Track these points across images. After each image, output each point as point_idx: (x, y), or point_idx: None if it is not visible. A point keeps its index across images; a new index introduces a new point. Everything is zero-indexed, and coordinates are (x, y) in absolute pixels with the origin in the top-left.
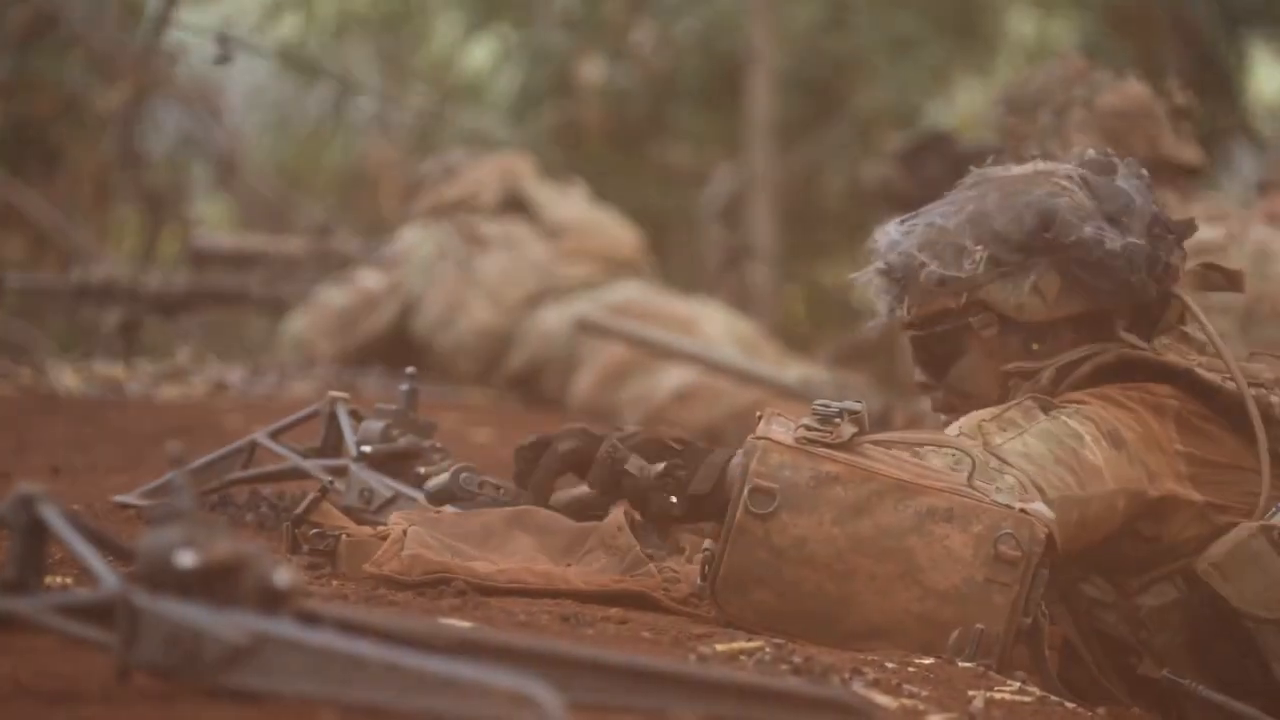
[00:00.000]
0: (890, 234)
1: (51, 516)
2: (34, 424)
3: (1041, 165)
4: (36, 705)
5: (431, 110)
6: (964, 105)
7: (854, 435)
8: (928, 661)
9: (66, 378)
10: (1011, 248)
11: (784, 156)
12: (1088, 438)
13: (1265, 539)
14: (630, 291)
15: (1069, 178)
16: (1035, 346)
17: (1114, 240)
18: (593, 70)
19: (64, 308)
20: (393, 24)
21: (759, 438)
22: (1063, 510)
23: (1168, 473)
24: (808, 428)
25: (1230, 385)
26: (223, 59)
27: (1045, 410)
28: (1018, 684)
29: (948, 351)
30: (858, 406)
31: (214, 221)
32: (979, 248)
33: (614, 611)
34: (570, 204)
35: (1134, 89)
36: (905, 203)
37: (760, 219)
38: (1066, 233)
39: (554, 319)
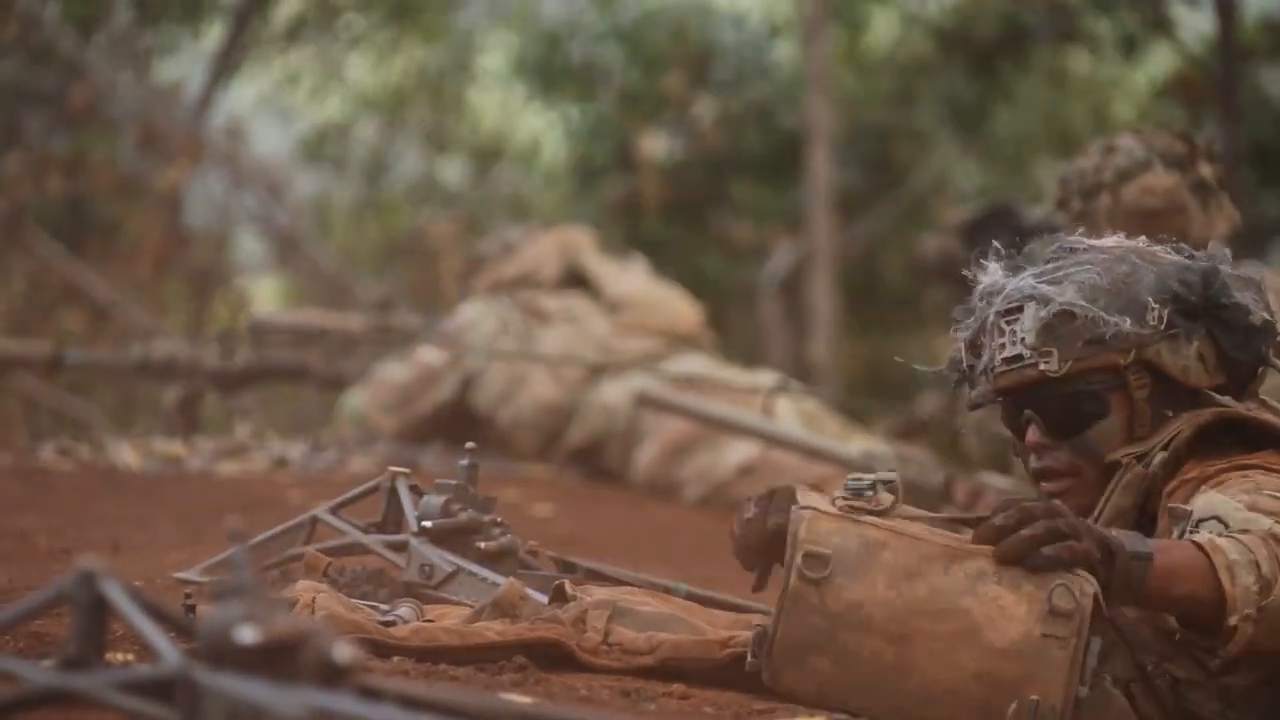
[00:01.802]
0: (1026, 286)
1: (113, 592)
2: (93, 500)
3: (1126, 241)
4: None
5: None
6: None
7: (893, 503)
8: None
9: (126, 454)
10: (1181, 310)
11: (844, 231)
12: None
13: None
14: (692, 365)
15: (1177, 249)
16: (1170, 413)
17: (1257, 309)
18: (653, 144)
19: (123, 384)
20: (442, 99)
21: (803, 507)
22: None
23: None
24: (845, 499)
25: None
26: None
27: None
28: None
29: (1089, 412)
30: (891, 476)
31: (265, 297)
32: (1158, 306)
33: (675, 687)
34: (630, 278)
35: (1158, 182)
36: (964, 276)
37: (820, 292)
38: (1229, 294)
39: (615, 393)
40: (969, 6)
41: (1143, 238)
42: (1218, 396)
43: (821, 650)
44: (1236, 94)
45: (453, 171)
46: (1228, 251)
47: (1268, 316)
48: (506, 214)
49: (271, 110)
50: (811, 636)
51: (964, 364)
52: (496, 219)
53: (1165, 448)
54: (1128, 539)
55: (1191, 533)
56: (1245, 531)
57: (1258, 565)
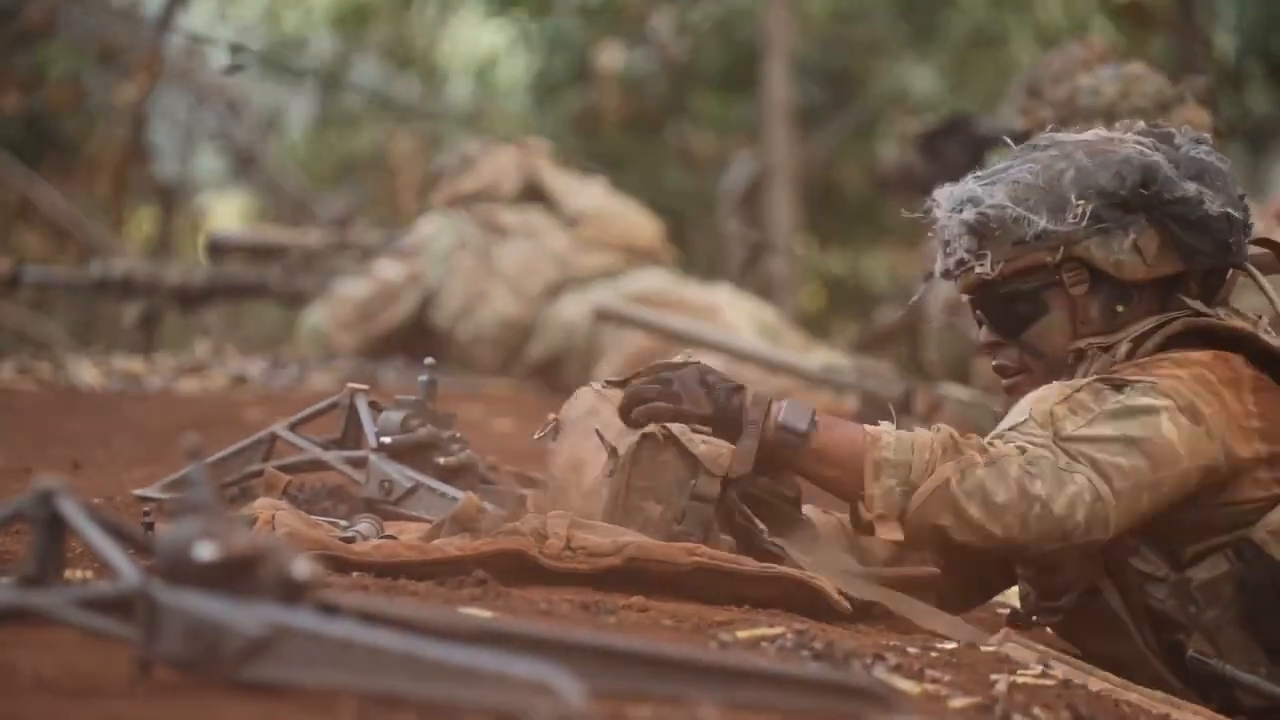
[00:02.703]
0: (966, 190)
1: (71, 511)
2: (53, 418)
3: (1105, 131)
4: (58, 700)
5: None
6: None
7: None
8: (950, 646)
9: (86, 372)
10: (1113, 204)
11: (803, 143)
12: (1164, 414)
13: None
14: (651, 280)
15: (1140, 142)
16: (1120, 308)
17: (1213, 201)
18: (611, 57)
19: (83, 302)
20: (401, 14)
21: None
22: (1131, 498)
23: (1243, 445)
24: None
25: None
26: (235, 68)
27: (1119, 389)
28: (1040, 667)
29: (1029, 309)
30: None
31: (228, 214)
32: (1081, 202)
33: (635, 599)
34: (589, 193)
35: (1197, 117)
36: (924, 187)
37: (779, 206)
38: (1171, 189)
39: (574, 308)
40: None
41: (1132, 126)
42: (1190, 301)
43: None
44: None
45: (411, 88)
46: (1205, 137)
47: (1227, 209)
48: (465, 129)
49: (230, 26)
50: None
51: (935, 266)
52: (455, 134)
53: (1133, 341)
54: (789, 410)
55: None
56: (996, 439)
57: (909, 467)
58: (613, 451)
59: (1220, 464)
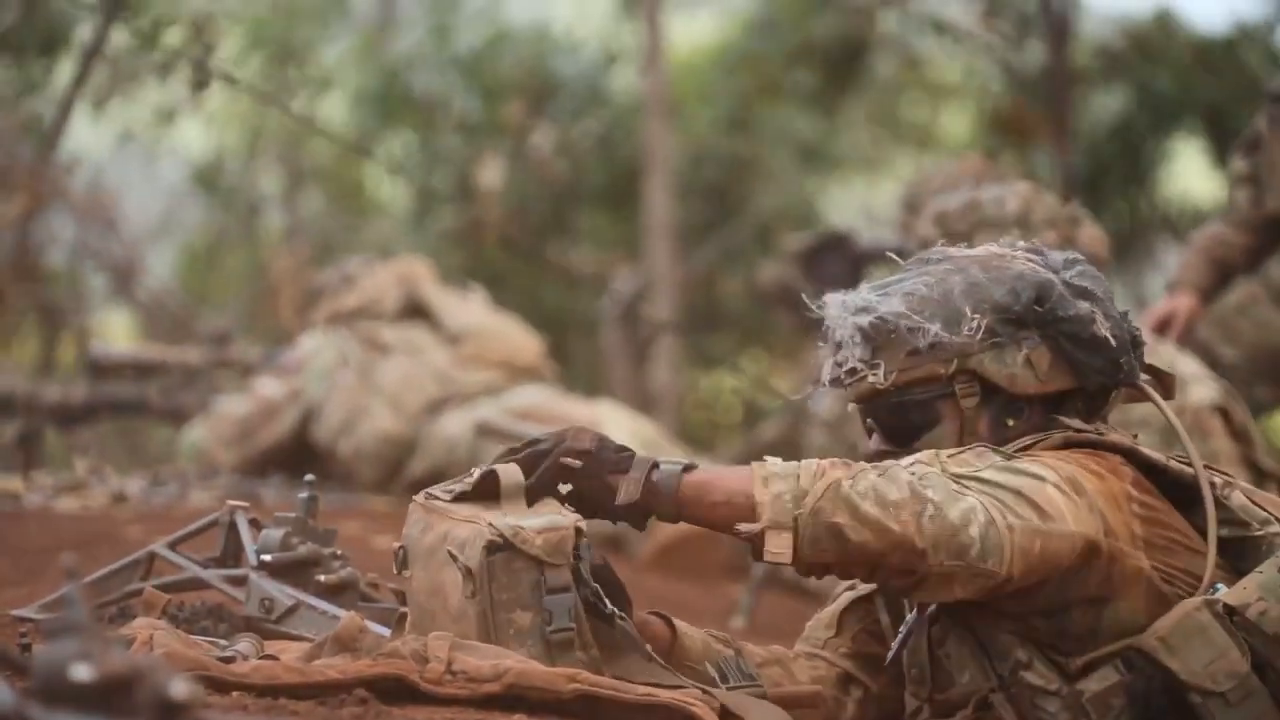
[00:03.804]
0: (860, 298)
1: None
2: None
3: (996, 248)
4: None
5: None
6: (861, 204)
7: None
8: None
9: None
10: (1007, 319)
11: (684, 259)
12: (1049, 482)
13: (1209, 611)
14: (533, 395)
15: (1030, 259)
16: (1010, 421)
17: (1103, 320)
18: (491, 174)
19: None
20: (296, 140)
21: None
22: (1024, 536)
23: (1123, 530)
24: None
25: (1174, 465)
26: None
27: (1004, 456)
28: None
29: (919, 421)
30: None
31: (114, 332)
32: (977, 316)
33: (517, 717)
34: (470, 309)
35: (1098, 233)
36: (804, 302)
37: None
38: (1065, 307)
39: (456, 425)
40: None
41: (1018, 244)
42: (1066, 420)
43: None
44: (1070, 121)
45: (311, 205)
46: (1079, 256)
47: (1115, 331)
48: (345, 246)
49: (135, 148)
50: None
51: (824, 375)
52: (338, 252)
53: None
54: (664, 461)
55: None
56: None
57: (797, 477)
58: (467, 572)
59: (1101, 541)
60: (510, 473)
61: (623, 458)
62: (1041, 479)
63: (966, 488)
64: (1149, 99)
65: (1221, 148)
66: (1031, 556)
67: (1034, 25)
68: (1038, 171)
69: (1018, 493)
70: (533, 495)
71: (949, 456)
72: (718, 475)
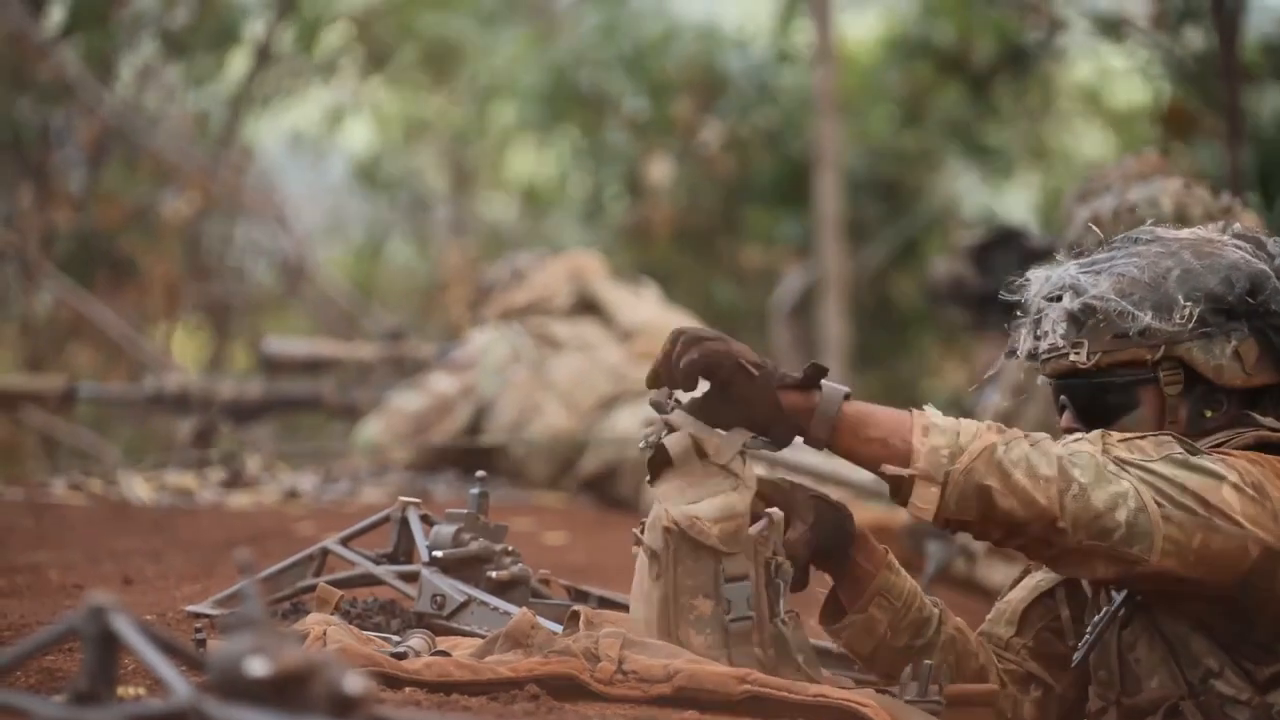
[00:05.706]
0: (1068, 276)
1: (123, 627)
2: (105, 534)
3: (1204, 232)
4: None
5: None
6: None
7: None
8: None
9: (138, 487)
10: (1219, 309)
11: (854, 255)
12: (1229, 482)
13: None
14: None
15: (1240, 246)
16: (1208, 413)
17: None
18: (660, 170)
19: (136, 417)
20: (463, 134)
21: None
22: (1181, 528)
23: None
24: None
25: None
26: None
27: (1187, 449)
28: None
29: (1116, 403)
30: None
31: (285, 330)
32: (1189, 304)
33: (689, 714)
34: (642, 305)
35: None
36: (975, 299)
37: (831, 318)
38: (1277, 300)
39: (628, 421)
40: (964, 28)
41: (1228, 228)
42: (1260, 417)
43: None
44: (1241, 117)
45: (491, 208)
46: None
47: None
48: (515, 243)
49: (303, 145)
50: None
51: (1020, 348)
52: (507, 248)
53: (1210, 448)
54: (828, 386)
55: None
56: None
57: (958, 434)
58: (653, 555)
59: None
60: (677, 441)
61: (791, 375)
62: (1220, 477)
63: (1126, 472)
64: None
65: None
66: (1189, 551)
67: (1202, 19)
68: (1206, 169)
69: (1183, 487)
70: (708, 401)
71: (1120, 440)
72: (876, 412)
